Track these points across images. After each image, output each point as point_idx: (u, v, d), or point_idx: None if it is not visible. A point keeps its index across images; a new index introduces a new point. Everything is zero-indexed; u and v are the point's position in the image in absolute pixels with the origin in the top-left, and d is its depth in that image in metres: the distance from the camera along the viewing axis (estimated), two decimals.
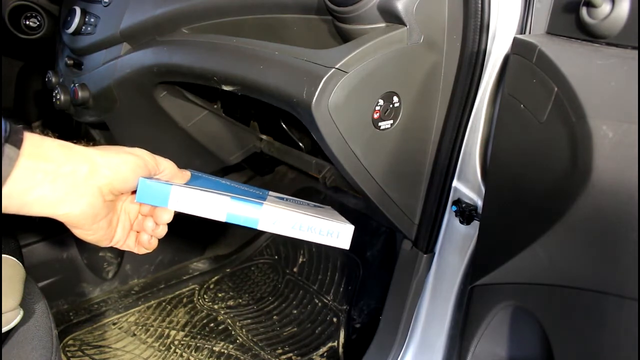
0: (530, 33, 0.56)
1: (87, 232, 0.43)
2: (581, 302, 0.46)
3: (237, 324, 1.20)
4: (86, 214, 0.41)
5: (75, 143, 0.42)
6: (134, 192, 0.46)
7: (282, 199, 0.57)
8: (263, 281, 1.33)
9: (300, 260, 1.32)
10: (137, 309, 1.25)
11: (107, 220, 0.45)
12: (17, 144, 0.36)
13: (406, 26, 0.55)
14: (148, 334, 1.17)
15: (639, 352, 0.42)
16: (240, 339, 1.15)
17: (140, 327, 1.19)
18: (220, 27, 0.78)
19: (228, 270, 1.39)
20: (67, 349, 1.10)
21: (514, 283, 0.54)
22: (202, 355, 1.10)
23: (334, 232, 0.50)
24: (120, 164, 0.43)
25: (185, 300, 1.29)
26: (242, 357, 1.10)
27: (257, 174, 1.40)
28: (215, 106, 1.03)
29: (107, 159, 0.42)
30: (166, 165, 0.48)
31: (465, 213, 0.64)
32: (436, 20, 0.57)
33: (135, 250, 0.50)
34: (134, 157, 0.45)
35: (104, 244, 0.46)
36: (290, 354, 1.11)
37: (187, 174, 0.52)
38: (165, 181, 0.47)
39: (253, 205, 0.48)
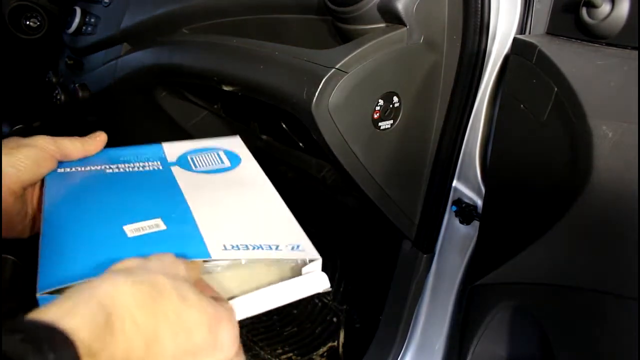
0: (530, 33, 0.56)
1: (6, 229, 0.43)
2: (581, 302, 0.46)
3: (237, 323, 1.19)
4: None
5: None
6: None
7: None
8: None
9: None
10: None
11: (22, 214, 0.45)
12: None
13: (406, 26, 0.55)
14: None
15: (639, 352, 0.42)
16: (240, 339, 1.15)
17: None
18: (220, 27, 0.78)
19: None
20: None
21: (514, 283, 0.54)
22: None
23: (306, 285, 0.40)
24: (23, 159, 0.43)
25: None
26: None
27: None
28: (216, 106, 1.03)
29: (7, 157, 0.42)
30: (71, 149, 0.47)
31: (465, 213, 0.64)
32: (436, 20, 0.57)
33: None
34: (35, 149, 0.44)
35: (26, 234, 0.46)
36: (290, 354, 1.11)
37: (98, 143, 0.49)
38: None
39: None
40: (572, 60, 0.47)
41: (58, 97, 1.07)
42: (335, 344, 1.13)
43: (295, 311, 1.22)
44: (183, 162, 0.50)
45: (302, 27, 0.67)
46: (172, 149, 0.52)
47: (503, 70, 0.58)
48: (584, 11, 0.48)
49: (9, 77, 1.34)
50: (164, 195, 0.45)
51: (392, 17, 0.56)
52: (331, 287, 0.42)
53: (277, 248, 0.40)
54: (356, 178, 0.61)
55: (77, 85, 1.03)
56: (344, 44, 0.58)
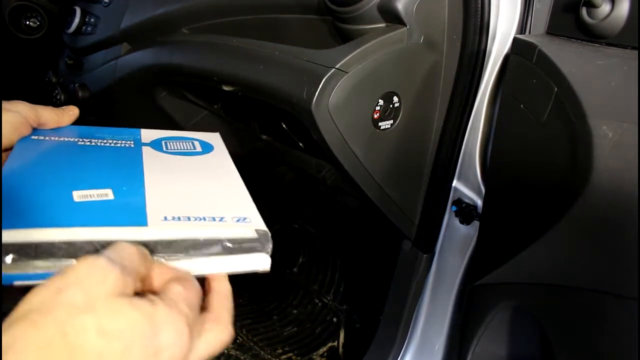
0: (530, 33, 0.56)
1: None
2: (581, 302, 0.46)
3: (237, 324, 1.20)
4: None
5: None
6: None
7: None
8: (263, 281, 1.33)
9: (300, 260, 1.32)
10: None
11: None
12: None
13: (406, 26, 0.55)
14: None
15: (639, 352, 0.42)
16: (240, 339, 1.15)
17: None
18: (220, 27, 0.78)
19: None
20: None
21: (514, 283, 0.54)
22: None
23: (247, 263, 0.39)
24: (4, 123, 0.44)
25: None
26: (242, 357, 1.10)
27: (256, 174, 1.40)
28: (216, 106, 1.03)
29: None
30: (47, 117, 0.49)
31: (465, 213, 0.64)
32: (436, 20, 0.57)
33: None
34: (16, 115, 0.45)
35: None
36: (290, 354, 1.11)
37: (70, 116, 0.51)
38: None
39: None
40: (572, 60, 0.47)
41: (58, 97, 1.07)
42: (335, 344, 1.13)
43: (295, 311, 1.22)
44: (155, 144, 0.52)
45: (302, 27, 0.67)
46: (149, 133, 0.54)
47: (503, 70, 0.58)
48: (584, 11, 0.48)
49: (9, 77, 1.34)
50: (124, 169, 0.45)
51: (392, 17, 0.56)
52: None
53: (221, 219, 0.40)
54: (356, 178, 0.61)
55: (77, 85, 1.03)
56: (344, 44, 0.58)
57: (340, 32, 0.61)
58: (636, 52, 0.45)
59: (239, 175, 0.49)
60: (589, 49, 0.48)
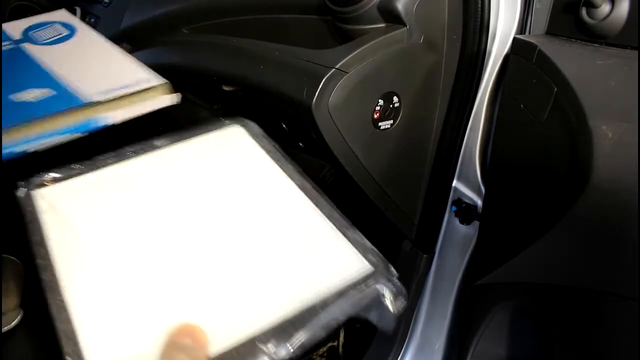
0: (530, 33, 0.56)
1: None
2: (581, 302, 0.46)
3: None
4: None
5: None
6: None
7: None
8: None
9: None
10: None
11: None
12: None
13: (406, 26, 0.55)
14: None
15: (639, 352, 0.42)
16: None
17: None
18: (220, 27, 0.78)
19: None
20: None
21: (514, 283, 0.54)
22: None
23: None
24: None
25: None
26: None
27: None
28: (216, 106, 1.03)
29: None
30: None
31: (465, 213, 0.64)
32: (436, 21, 0.57)
33: None
34: None
35: None
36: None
37: None
38: None
39: None
40: (572, 60, 0.47)
41: None
42: (335, 344, 1.13)
43: None
44: (28, 39, 0.58)
45: (302, 27, 0.67)
46: (12, 28, 0.60)
47: (503, 70, 0.58)
48: (583, 11, 0.48)
49: None
50: (33, 70, 0.52)
51: (392, 17, 0.56)
52: None
53: (137, 83, 0.50)
54: (356, 178, 0.61)
55: None
56: (344, 44, 0.58)
57: (340, 32, 0.61)
58: (636, 52, 0.45)
59: (116, 47, 0.57)
60: (589, 49, 0.48)
